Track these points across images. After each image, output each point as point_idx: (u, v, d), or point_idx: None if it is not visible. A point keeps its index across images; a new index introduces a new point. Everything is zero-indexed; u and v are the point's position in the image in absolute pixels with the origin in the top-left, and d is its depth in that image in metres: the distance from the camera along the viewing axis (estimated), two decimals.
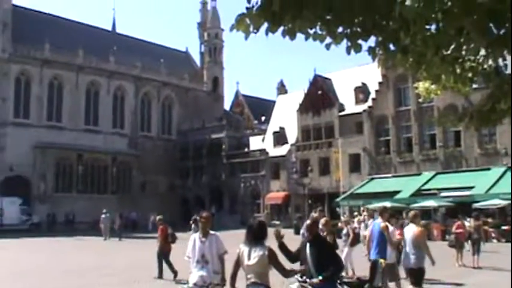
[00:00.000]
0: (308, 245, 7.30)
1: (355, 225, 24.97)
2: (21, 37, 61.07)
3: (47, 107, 63.30)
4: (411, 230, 11.24)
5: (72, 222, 55.21)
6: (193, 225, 29.76)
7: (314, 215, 15.80)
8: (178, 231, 19.38)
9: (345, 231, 17.99)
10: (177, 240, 17.81)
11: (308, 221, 7.26)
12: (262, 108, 76.55)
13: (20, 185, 57.63)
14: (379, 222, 12.01)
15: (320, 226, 8.20)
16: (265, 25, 4.25)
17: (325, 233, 10.06)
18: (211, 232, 8.64)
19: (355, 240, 17.27)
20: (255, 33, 4.32)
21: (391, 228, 12.02)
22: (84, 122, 65.91)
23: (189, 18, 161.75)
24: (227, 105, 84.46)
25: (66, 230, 51.40)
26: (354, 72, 54.52)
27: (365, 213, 29.67)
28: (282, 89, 71.53)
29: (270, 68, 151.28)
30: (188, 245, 8.62)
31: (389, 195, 41.94)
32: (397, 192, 42.81)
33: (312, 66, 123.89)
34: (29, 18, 63.54)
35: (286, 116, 62.62)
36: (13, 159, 57.01)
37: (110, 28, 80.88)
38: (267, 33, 4.29)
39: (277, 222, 47.88)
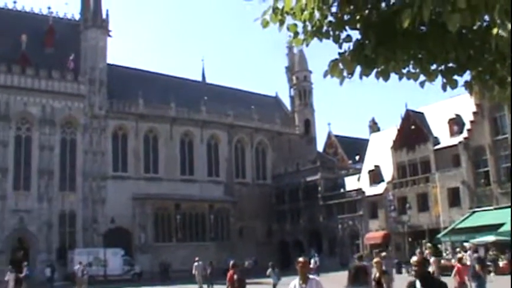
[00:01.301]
0: (419, 284, 6.77)
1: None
2: (117, 94, 63.86)
3: (144, 159, 65.43)
4: None
5: (167, 270, 55.54)
6: (269, 270, 30.07)
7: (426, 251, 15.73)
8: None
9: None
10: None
11: (415, 258, 6.91)
12: (355, 147, 76.01)
13: (121, 236, 59.39)
14: None
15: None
16: (358, 68, 4.35)
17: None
18: (311, 276, 8.50)
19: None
20: (349, 78, 4.43)
21: None
22: (180, 172, 67.54)
23: (276, 63, 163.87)
24: (320, 147, 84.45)
25: (163, 278, 52.40)
26: (447, 104, 53.21)
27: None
28: (374, 126, 70.79)
29: (361, 106, 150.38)
30: None
31: (493, 228, 40.51)
32: (501, 225, 41.11)
33: (402, 101, 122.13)
34: (122, 75, 66.22)
35: (380, 154, 61.87)
36: (114, 211, 58.91)
37: (199, 78, 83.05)
38: (361, 77, 4.40)
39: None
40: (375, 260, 12.59)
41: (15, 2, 65.78)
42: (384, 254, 20.15)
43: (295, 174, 70.98)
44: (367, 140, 69.06)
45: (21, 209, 57.06)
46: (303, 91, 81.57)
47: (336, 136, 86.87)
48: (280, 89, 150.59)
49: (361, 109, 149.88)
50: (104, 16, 66.03)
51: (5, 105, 58.19)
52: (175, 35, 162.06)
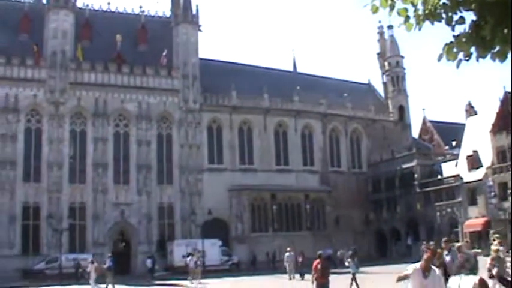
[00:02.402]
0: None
1: None
2: (210, 87, 64.88)
3: (239, 151, 66.23)
4: None
5: (273, 261, 56.23)
6: (348, 259, 29.93)
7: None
8: (375, 264, 19.48)
9: None
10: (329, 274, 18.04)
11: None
12: (451, 133, 74.26)
13: (219, 227, 60.64)
14: None
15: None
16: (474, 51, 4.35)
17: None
18: (433, 267, 8.31)
19: None
20: (467, 60, 4.45)
21: None
22: (275, 162, 67.94)
23: (367, 50, 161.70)
24: (415, 133, 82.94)
25: (267, 268, 52.99)
26: None
27: None
28: (470, 110, 68.89)
29: (456, 90, 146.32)
30: (412, 277, 8.15)
31: None
32: None
33: (499, 83, 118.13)
34: (215, 69, 67.15)
35: (478, 138, 60.21)
36: (210, 203, 60.01)
37: (291, 68, 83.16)
38: (477, 59, 4.41)
39: (479, 250, 45.51)
40: (494, 247, 12.04)
41: (109, 4, 68.07)
42: (459, 244, 19.43)
43: (390, 161, 70.09)
44: (464, 125, 67.27)
45: (122, 202, 59.09)
46: (395, 77, 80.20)
47: (431, 121, 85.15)
48: (373, 75, 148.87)
49: (457, 93, 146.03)
50: (194, 11, 67.12)
51: (103, 103, 60.34)
52: (265, 26, 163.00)
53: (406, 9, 4.62)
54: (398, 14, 4.69)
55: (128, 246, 59.37)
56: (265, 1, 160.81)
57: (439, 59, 4.39)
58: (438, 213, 62.56)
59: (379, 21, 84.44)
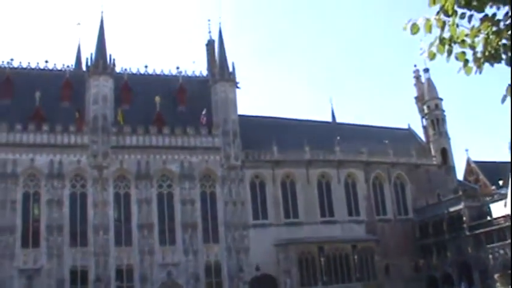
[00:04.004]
0: None
1: None
2: (250, 143, 65.17)
3: (283, 205, 65.93)
4: None
5: None
6: None
7: None
8: None
9: None
10: None
11: None
12: (497, 172, 73.00)
13: (267, 282, 60.10)
14: None
15: None
16: None
17: None
18: None
19: None
20: None
21: None
22: (320, 214, 67.41)
23: (404, 94, 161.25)
24: (460, 175, 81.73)
25: None
26: None
27: None
28: None
29: (498, 128, 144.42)
30: None
31: None
32: None
33: None
34: (254, 124, 67.54)
35: None
36: (258, 259, 59.66)
37: (329, 119, 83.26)
38: None
39: None
40: None
41: (146, 67, 69.08)
42: None
43: (437, 205, 69.03)
44: (509, 163, 66.06)
45: (169, 263, 59.02)
46: (435, 120, 79.48)
47: (476, 162, 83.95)
48: (412, 120, 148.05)
49: (499, 131, 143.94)
50: (231, 69, 67.96)
51: (146, 165, 60.94)
52: (301, 79, 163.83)
53: (464, 53, 4.60)
54: (457, 58, 4.67)
55: None
56: (300, 55, 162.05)
57: (503, 100, 4.32)
58: (491, 256, 61.00)
59: (415, 65, 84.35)
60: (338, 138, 69.68)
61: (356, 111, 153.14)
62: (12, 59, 64.25)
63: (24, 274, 54.99)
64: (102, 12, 67.23)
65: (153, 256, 58.73)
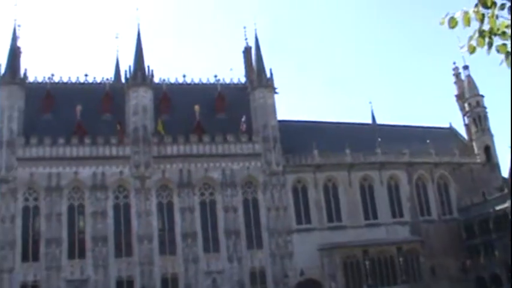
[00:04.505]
0: None
1: None
2: (291, 148, 65.25)
3: (326, 209, 65.66)
4: None
5: None
6: None
7: None
8: None
9: None
10: None
11: None
12: None
13: (312, 287, 60.04)
14: None
15: None
16: None
17: None
18: None
19: None
20: None
21: None
22: (363, 217, 66.96)
23: (444, 93, 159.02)
24: (504, 172, 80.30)
25: None
26: None
27: None
28: None
29: None
30: None
31: None
32: None
33: None
34: (294, 129, 67.61)
35: None
36: (302, 263, 59.63)
37: (369, 121, 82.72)
38: None
39: None
40: None
41: (184, 76, 69.50)
42: None
43: (482, 204, 67.93)
44: None
45: (213, 271, 59.33)
46: (477, 117, 78.30)
47: None
48: (453, 118, 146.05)
49: None
50: (268, 75, 68.06)
51: (187, 174, 61.38)
52: (339, 82, 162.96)
53: (505, 45, 4.52)
54: (498, 51, 4.58)
55: None
56: (337, 59, 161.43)
57: None
58: None
59: (454, 63, 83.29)
60: (379, 139, 69.11)
61: (396, 112, 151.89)
62: (52, 74, 65.59)
63: (71, 285, 56.01)
64: (138, 24, 68.12)
65: (197, 264, 59.10)
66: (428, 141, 71.99)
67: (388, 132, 73.31)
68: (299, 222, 64.05)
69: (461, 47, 4.75)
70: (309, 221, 64.55)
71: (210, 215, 61.54)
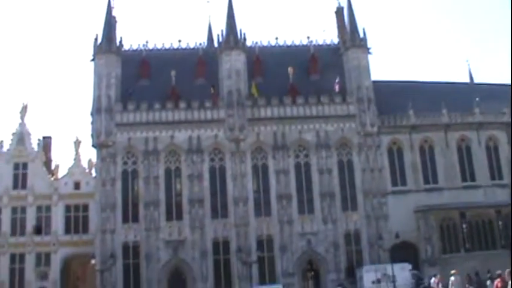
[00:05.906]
0: None
1: None
2: (386, 109, 64.20)
3: (422, 171, 64.43)
4: None
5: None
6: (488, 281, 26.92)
7: None
8: None
9: None
10: None
11: None
12: None
13: (407, 250, 59.41)
14: None
15: None
16: None
17: None
18: None
19: None
20: None
21: None
22: (460, 179, 65.34)
23: None
24: None
25: None
26: None
27: None
28: None
29: None
30: None
31: None
32: None
33: None
34: (389, 89, 66.17)
35: None
36: (397, 226, 58.86)
37: (467, 80, 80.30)
38: None
39: None
40: None
41: (276, 39, 69.12)
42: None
43: None
44: None
45: (308, 232, 59.62)
46: None
47: None
48: None
49: None
50: (362, 35, 66.93)
51: (282, 136, 61.63)
52: (435, 40, 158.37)
53: None
54: None
55: (317, 275, 59.88)
56: (430, 16, 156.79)
57: None
58: None
59: None
60: (477, 99, 66.88)
61: (495, 70, 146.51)
62: (147, 41, 66.90)
63: (170, 245, 57.82)
64: None
65: (292, 226, 59.56)
66: None
67: (486, 91, 70.87)
68: (394, 184, 63.21)
69: None
70: (404, 183, 63.59)
71: (305, 177, 61.67)
